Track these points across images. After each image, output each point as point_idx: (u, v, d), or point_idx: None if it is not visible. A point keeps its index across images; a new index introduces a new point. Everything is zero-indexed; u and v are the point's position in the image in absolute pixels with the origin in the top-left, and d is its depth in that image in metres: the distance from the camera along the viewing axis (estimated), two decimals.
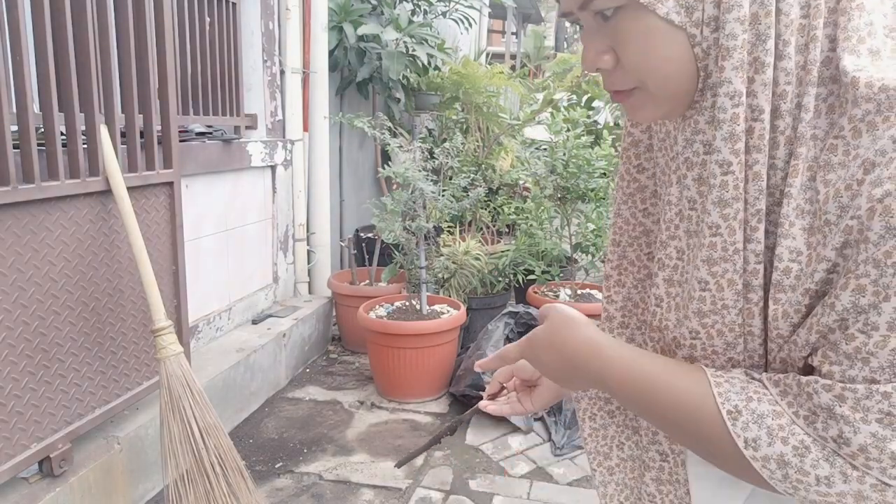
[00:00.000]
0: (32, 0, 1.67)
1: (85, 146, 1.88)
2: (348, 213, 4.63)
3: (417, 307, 3.22)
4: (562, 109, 4.66)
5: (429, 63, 4.61)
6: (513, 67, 9.86)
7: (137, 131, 2.05)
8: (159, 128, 2.16)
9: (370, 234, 4.06)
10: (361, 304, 3.20)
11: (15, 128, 1.68)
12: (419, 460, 2.52)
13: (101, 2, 1.88)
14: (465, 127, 4.97)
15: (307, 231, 3.78)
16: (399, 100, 4.48)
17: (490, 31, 11.49)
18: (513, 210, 4.43)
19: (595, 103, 4.99)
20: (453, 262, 3.71)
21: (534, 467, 2.51)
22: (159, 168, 2.15)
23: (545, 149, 3.87)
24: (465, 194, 3.30)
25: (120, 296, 2.01)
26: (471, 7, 5.11)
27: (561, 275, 3.76)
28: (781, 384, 0.56)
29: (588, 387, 0.74)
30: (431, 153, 3.37)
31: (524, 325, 3.12)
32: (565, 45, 15.22)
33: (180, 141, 2.41)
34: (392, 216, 3.14)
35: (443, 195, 3.19)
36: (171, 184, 2.21)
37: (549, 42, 15.30)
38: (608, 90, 0.64)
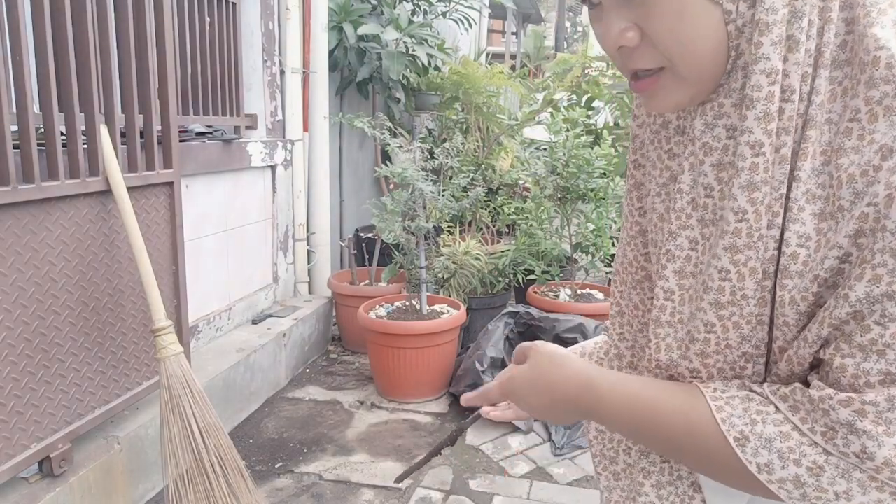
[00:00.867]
0: (32, 0, 1.67)
1: (85, 146, 1.88)
2: (348, 213, 4.63)
3: (417, 307, 3.22)
4: (562, 109, 4.66)
5: (429, 63, 4.61)
6: (513, 67, 9.85)
7: (137, 131, 2.05)
8: (159, 128, 2.16)
9: (370, 234, 4.06)
10: (361, 304, 3.20)
11: (15, 128, 1.68)
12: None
13: (101, 2, 1.88)
14: (465, 127, 4.97)
15: (307, 231, 3.78)
16: (399, 100, 4.48)
17: (490, 31, 11.49)
18: (513, 210, 4.43)
19: (595, 103, 4.99)
20: (453, 262, 3.71)
21: (534, 467, 2.51)
22: (159, 168, 2.15)
23: (545, 149, 3.87)
24: (464, 194, 3.30)
25: (120, 296, 2.01)
26: (471, 7, 5.11)
27: (561, 275, 3.77)
28: (790, 399, 0.55)
29: (581, 419, 0.71)
30: (431, 153, 3.37)
31: (524, 325, 3.12)
32: (565, 45, 15.22)
33: (180, 141, 2.41)
34: (392, 216, 3.14)
35: (442, 195, 3.19)
36: (171, 184, 2.21)
37: (549, 42, 15.30)
38: (629, 70, 0.60)
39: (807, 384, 0.55)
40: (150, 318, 1.93)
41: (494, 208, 4.66)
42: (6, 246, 1.64)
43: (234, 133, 3.07)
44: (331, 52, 3.91)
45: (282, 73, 3.46)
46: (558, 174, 3.52)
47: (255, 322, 3.23)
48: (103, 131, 1.92)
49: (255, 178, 3.26)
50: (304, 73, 3.62)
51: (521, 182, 4.63)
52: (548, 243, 3.87)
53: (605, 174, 3.62)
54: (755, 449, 0.54)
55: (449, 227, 4.11)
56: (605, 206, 3.66)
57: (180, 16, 2.60)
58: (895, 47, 0.50)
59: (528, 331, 3.10)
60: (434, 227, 3.25)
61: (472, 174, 3.69)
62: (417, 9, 4.79)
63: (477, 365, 2.87)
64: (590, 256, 3.75)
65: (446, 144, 3.33)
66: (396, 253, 3.39)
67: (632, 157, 0.74)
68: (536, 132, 5.01)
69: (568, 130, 3.61)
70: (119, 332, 2.02)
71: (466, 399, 0.81)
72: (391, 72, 4.08)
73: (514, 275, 3.88)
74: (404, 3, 4.58)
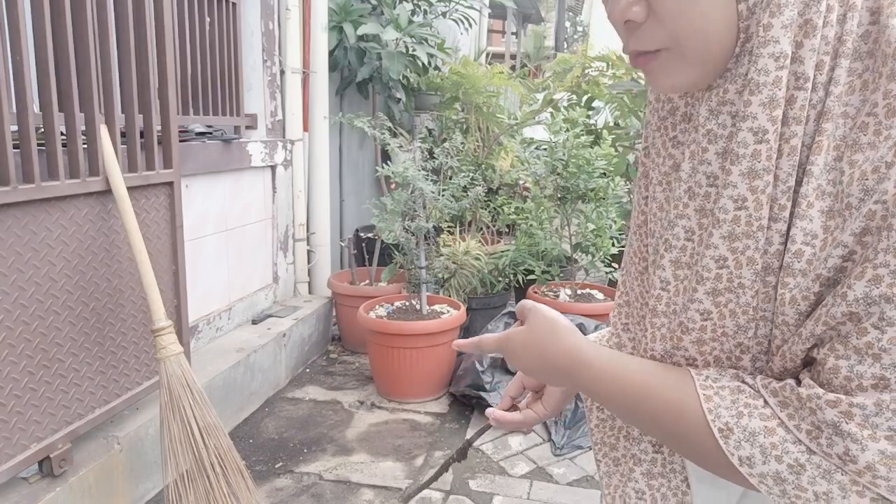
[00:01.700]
0: (32, 0, 1.67)
1: (85, 146, 1.88)
2: (348, 213, 4.63)
3: (417, 307, 3.22)
4: (562, 109, 4.66)
5: (429, 63, 4.61)
6: (513, 67, 9.86)
7: (137, 131, 2.05)
8: (159, 128, 2.16)
9: (370, 234, 4.06)
10: (361, 304, 3.20)
11: (15, 128, 1.68)
12: (419, 460, 2.52)
13: (101, 2, 1.88)
14: (464, 127, 4.97)
15: (307, 231, 3.78)
16: (399, 100, 4.48)
17: (490, 31, 11.49)
18: (513, 210, 4.43)
19: (595, 103, 4.98)
20: (453, 262, 3.71)
21: (534, 467, 2.51)
22: (159, 168, 2.15)
23: (545, 149, 3.87)
24: (464, 194, 3.30)
25: (120, 296, 2.01)
26: (471, 7, 5.11)
27: (561, 275, 3.77)
28: (780, 395, 0.54)
29: (572, 390, 0.71)
30: (431, 153, 3.37)
31: None
32: (565, 45, 15.22)
33: (180, 141, 2.41)
34: (392, 216, 3.14)
35: (442, 195, 3.19)
36: (171, 184, 2.21)
37: (549, 42, 15.30)
38: (632, 49, 0.59)
39: (800, 382, 0.55)
40: (149, 318, 1.93)
41: (494, 208, 4.66)
42: (6, 246, 1.64)
43: (234, 133, 3.07)
44: (331, 52, 3.91)
45: (282, 73, 3.46)
46: (558, 174, 3.52)
47: (255, 322, 3.23)
48: (103, 131, 1.92)
49: (255, 178, 3.26)
50: (304, 73, 3.62)
51: (521, 182, 4.63)
52: (548, 243, 3.87)
53: (605, 174, 3.62)
54: (738, 442, 0.54)
55: (449, 227, 4.11)
56: (605, 206, 3.66)
57: (180, 16, 2.60)
58: None
59: None
60: (434, 227, 3.25)
61: (471, 174, 3.69)
62: (417, 9, 4.79)
63: (477, 365, 2.87)
64: (590, 256, 3.75)
65: (446, 144, 3.33)
66: (396, 253, 3.39)
67: (643, 145, 0.72)
68: (536, 132, 5.01)
69: (568, 130, 3.61)
70: (119, 332, 2.02)
71: (457, 344, 0.81)
72: (391, 72, 4.08)
73: (514, 275, 3.89)
74: (404, 3, 4.58)
